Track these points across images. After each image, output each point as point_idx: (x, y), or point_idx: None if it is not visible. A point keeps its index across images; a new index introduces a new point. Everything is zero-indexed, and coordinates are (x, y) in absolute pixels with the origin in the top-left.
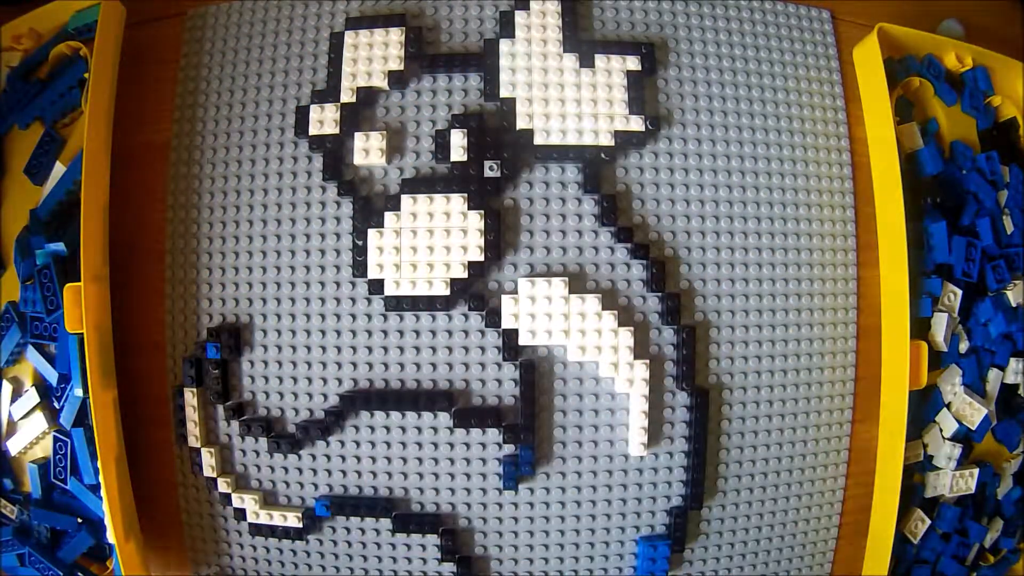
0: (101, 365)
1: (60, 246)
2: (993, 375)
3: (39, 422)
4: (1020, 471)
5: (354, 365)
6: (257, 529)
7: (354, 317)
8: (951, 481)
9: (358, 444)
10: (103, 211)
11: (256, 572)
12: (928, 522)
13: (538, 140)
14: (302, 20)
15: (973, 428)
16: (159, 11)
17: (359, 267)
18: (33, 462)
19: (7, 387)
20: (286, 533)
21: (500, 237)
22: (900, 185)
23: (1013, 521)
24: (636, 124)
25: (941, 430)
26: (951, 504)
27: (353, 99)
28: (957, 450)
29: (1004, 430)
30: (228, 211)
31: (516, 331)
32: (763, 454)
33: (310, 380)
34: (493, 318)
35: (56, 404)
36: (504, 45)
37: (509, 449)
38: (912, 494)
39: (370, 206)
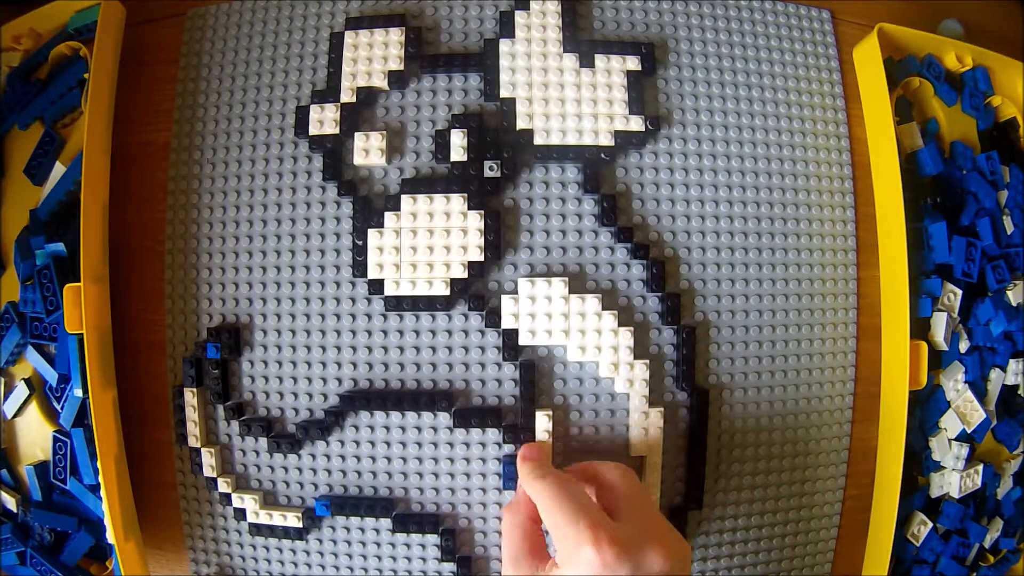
0: (101, 365)
1: (60, 246)
2: (995, 375)
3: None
4: (1020, 471)
5: (354, 365)
6: (257, 529)
7: (354, 317)
8: (959, 481)
9: (358, 444)
10: (103, 211)
11: (256, 572)
12: (930, 525)
13: (538, 140)
14: (302, 20)
15: (971, 430)
16: (159, 11)
17: (359, 267)
18: (30, 464)
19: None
20: (286, 533)
21: (500, 237)
22: (900, 185)
23: (1013, 521)
24: (636, 124)
25: (947, 431)
26: (954, 501)
27: (353, 99)
28: (964, 449)
29: (1004, 430)
30: (228, 211)
31: (516, 331)
32: (763, 454)
33: (310, 380)
34: (493, 318)
35: (56, 404)
36: (504, 45)
37: (509, 449)
38: (914, 496)
39: (370, 206)
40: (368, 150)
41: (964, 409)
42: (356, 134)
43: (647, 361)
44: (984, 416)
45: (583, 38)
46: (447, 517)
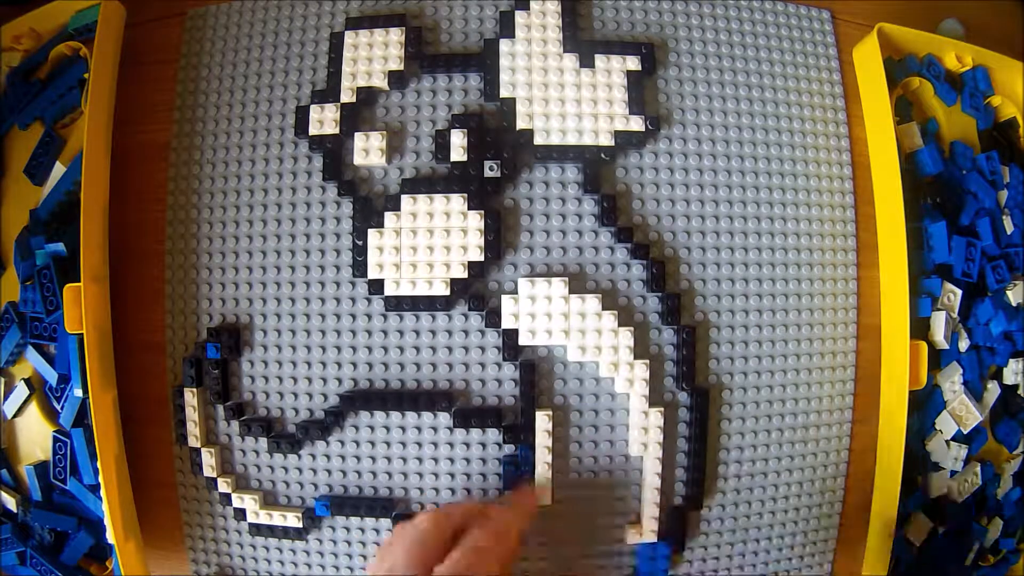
0: (101, 365)
1: (60, 246)
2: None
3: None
4: (1020, 471)
5: (354, 365)
6: (257, 529)
7: (354, 317)
8: (958, 483)
9: (358, 444)
10: (103, 211)
11: (256, 572)
12: (930, 525)
13: (538, 140)
14: (302, 20)
15: (965, 432)
16: (159, 11)
17: (359, 267)
18: (30, 464)
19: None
20: (286, 533)
21: (500, 237)
22: (900, 185)
23: (1013, 521)
24: (636, 124)
25: (942, 433)
26: (955, 501)
27: (353, 99)
28: (963, 450)
29: (1004, 430)
30: (228, 211)
31: (516, 331)
32: (763, 454)
33: (310, 380)
34: (493, 318)
35: (56, 404)
36: (504, 45)
37: (509, 449)
38: (914, 496)
39: (370, 206)
40: (368, 150)
41: (959, 412)
42: (356, 134)
43: (647, 361)
44: (979, 418)
45: (583, 38)
46: None
